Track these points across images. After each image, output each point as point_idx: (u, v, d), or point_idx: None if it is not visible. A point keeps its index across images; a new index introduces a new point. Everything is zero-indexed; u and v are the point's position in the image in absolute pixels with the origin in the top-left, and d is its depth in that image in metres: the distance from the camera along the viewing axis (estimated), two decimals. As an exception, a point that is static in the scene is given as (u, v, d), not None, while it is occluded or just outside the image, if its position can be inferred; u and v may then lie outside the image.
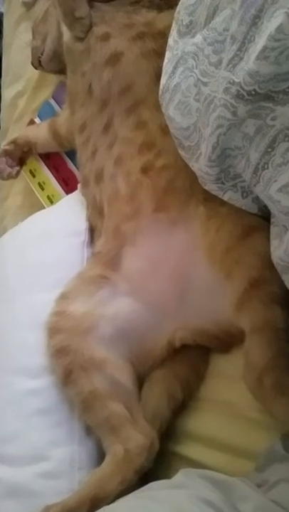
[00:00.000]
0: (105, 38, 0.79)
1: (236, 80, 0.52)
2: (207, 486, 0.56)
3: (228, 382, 0.71)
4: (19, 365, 0.76)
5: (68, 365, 0.71)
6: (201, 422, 0.72)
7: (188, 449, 0.72)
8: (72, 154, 0.98)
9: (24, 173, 1.07)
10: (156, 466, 0.69)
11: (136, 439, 0.68)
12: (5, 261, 0.88)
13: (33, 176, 1.07)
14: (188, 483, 0.58)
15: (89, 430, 0.73)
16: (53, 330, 0.74)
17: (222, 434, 0.69)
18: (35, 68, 1.00)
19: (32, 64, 0.99)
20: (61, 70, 0.92)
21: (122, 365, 0.72)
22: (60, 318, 0.74)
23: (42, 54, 0.96)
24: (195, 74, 0.60)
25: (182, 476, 0.61)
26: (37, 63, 0.98)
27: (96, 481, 0.67)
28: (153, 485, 0.60)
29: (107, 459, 0.69)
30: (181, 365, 0.75)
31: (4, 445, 0.72)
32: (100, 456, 0.72)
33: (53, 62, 0.94)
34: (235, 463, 0.67)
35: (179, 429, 0.74)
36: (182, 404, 0.73)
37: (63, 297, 0.76)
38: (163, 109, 0.66)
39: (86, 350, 0.71)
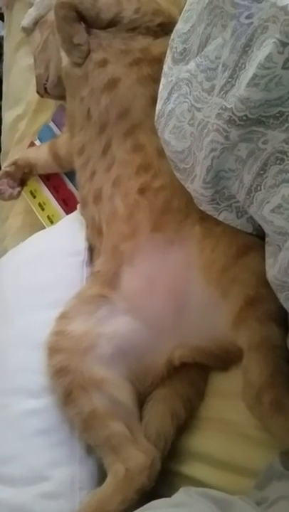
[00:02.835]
0: (103, 64, 0.81)
1: (228, 106, 0.54)
2: (207, 504, 0.56)
3: (227, 400, 0.71)
4: (19, 386, 0.76)
5: (68, 384, 0.71)
6: (201, 440, 0.72)
7: (189, 468, 0.72)
8: (71, 175, 1.00)
9: (25, 193, 1.09)
10: (157, 484, 0.69)
11: (137, 458, 0.69)
12: (4, 281, 0.89)
13: (34, 197, 1.08)
14: (189, 502, 0.58)
15: (90, 450, 0.73)
16: (53, 350, 0.74)
17: (221, 452, 0.69)
18: (42, 96, 1.01)
19: (38, 93, 1.01)
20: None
21: (122, 384, 0.73)
22: (59, 337, 0.75)
23: (47, 81, 0.98)
24: (189, 100, 0.62)
25: (182, 494, 0.61)
26: (43, 91, 0.99)
27: (97, 501, 0.67)
28: (153, 504, 0.60)
29: (108, 478, 0.69)
30: (181, 384, 0.75)
31: (4, 465, 0.72)
32: (101, 475, 0.72)
33: (58, 87, 0.96)
34: (235, 481, 0.67)
35: (180, 447, 0.74)
36: (184, 423, 0.73)
37: (63, 317, 0.77)
38: (159, 134, 0.68)
39: (86, 369, 0.72)
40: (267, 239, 0.62)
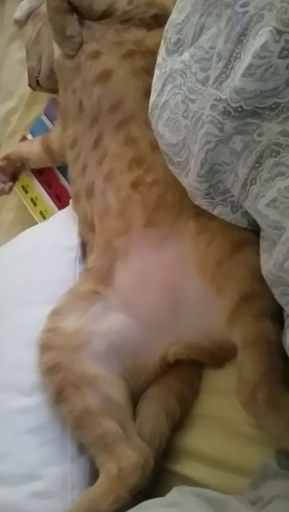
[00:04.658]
0: (95, 55, 0.80)
1: (223, 97, 0.53)
2: (200, 504, 0.56)
3: (222, 397, 0.71)
4: (11, 383, 0.75)
5: (60, 382, 0.70)
6: (195, 438, 0.72)
7: (183, 466, 0.72)
8: (64, 170, 0.98)
9: (17, 188, 1.08)
10: (150, 483, 0.68)
11: (129, 456, 0.68)
12: (-3, 277, 0.88)
13: (26, 192, 1.07)
14: (182, 501, 0.57)
15: (82, 448, 0.72)
16: (45, 347, 0.73)
17: (216, 451, 0.69)
18: (33, 89, 1.01)
19: (30, 85, 1.00)
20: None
21: (115, 382, 0.72)
22: (52, 334, 0.74)
23: (39, 73, 0.97)
24: (183, 91, 0.61)
25: (176, 494, 0.60)
26: (35, 83, 0.98)
27: (89, 501, 0.66)
28: (147, 503, 0.59)
29: (101, 477, 0.68)
30: (175, 381, 0.74)
31: (-5, 464, 0.71)
32: (94, 474, 0.71)
33: (50, 80, 0.95)
34: (230, 479, 0.66)
35: (173, 445, 0.73)
36: (178, 421, 0.73)
37: (55, 313, 0.76)
38: (153, 126, 0.67)
39: (78, 367, 0.71)
40: (262, 234, 0.61)
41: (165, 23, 0.67)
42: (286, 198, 0.52)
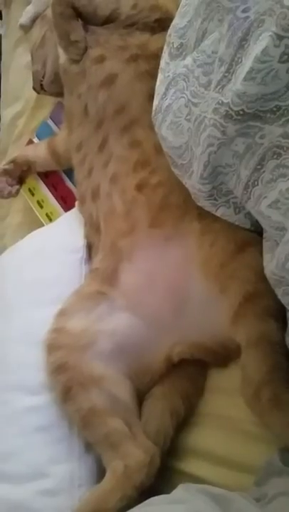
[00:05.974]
0: (100, 60, 0.81)
1: (225, 101, 0.54)
2: (206, 500, 0.56)
3: (226, 396, 0.71)
4: (18, 382, 0.77)
5: (67, 381, 0.71)
6: (200, 436, 0.72)
7: (188, 464, 0.72)
8: (70, 172, 0.99)
9: (23, 191, 1.09)
10: (156, 481, 0.69)
11: (135, 455, 0.68)
12: (4, 278, 0.89)
13: (32, 194, 1.08)
14: (187, 498, 0.58)
15: (89, 447, 0.73)
16: (52, 347, 0.74)
17: (221, 449, 0.69)
18: (38, 93, 1.02)
19: (34, 89, 1.01)
20: (63, 93, 0.94)
21: (121, 381, 0.73)
22: (58, 334, 0.75)
23: (43, 77, 0.98)
24: (186, 95, 0.62)
25: (181, 490, 0.61)
26: (39, 87, 1.00)
27: (96, 498, 0.67)
28: (152, 500, 0.60)
29: (107, 475, 0.69)
30: (180, 380, 0.75)
31: (4, 462, 0.72)
32: (101, 472, 0.71)
33: (54, 84, 0.96)
34: (235, 477, 0.67)
35: (179, 444, 0.74)
36: (184, 419, 0.73)
37: (62, 314, 0.77)
38: (156, 129, 0.68)
39: (84, 366, 0.72)
40: (264, 234, 0.61)
41: (168, 27, 0.68)
42: (288, 199, 0.53)
